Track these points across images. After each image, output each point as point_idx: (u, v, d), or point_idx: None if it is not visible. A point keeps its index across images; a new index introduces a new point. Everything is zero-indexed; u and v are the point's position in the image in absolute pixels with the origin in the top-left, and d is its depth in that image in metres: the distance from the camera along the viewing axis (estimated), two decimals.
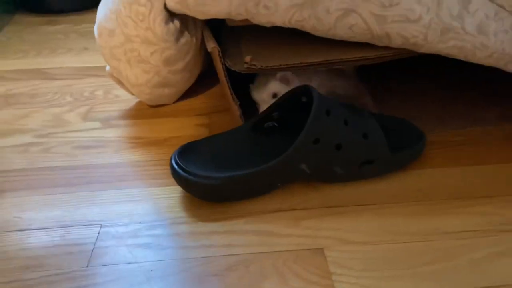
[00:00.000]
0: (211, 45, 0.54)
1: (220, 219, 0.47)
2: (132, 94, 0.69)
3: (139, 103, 0.71)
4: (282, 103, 0.52)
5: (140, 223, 0.47)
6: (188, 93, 0.71)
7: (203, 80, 0.72)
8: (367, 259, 0.42)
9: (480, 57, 0.51)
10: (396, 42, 0.52)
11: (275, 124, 0.53)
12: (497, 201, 0.48)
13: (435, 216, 0.47)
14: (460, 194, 0.49)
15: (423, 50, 0.52)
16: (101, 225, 0.47)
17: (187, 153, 0.50)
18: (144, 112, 0.68)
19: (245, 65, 0.53)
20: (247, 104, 0.59)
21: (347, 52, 0.53)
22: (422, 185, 0.51)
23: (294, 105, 0.51)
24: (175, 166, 0.48)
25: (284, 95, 0.52)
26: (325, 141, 0.47)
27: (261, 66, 0.53)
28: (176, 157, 0.48)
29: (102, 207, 0.49)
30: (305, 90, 0.50)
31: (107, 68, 0.67)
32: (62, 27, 1.07)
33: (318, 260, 0.42)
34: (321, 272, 0.41)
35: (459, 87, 0.68)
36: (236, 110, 0.56)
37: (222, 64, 0.54)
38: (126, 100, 0.72)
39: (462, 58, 0.52)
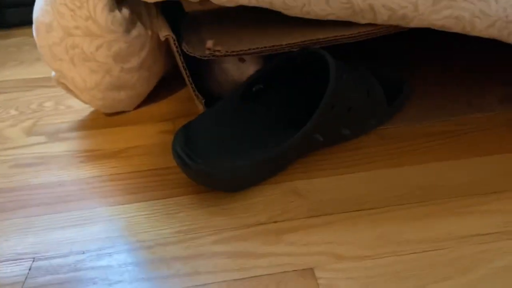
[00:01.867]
0: (164, 33, 0.46)
1: (183, 240, 0.38)
2: (84, 101, 0.60)
3: (95, 112, 0.62)
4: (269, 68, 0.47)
5: (83, 253, 0.37)
6: (151, 98, 0.62)
7: (170, 82, 0.64)
8: (368, 278, 0.33)
9: (480, 28, 0.44)
10: (382, 17, 0.44)
11: (261, 86, 0.47)
12: None
13: (445, 218, 0.38)
14: (470, 190, 0.41)
15: (413, 24, 0.44)
16: (33, 258, 0.37)
17: (191, 141, 0.43)
18: (99, 121, 0.59)
19: (207, 51, 0.44)
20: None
21: (325, 31, 0.45)
22: (424, 183, 0.43)
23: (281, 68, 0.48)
24: (188, 161, 0.40)
25: (275, 61, 0.47)
26: (339, 105, 0.45)
27: (226, 51, 0.44)
28: (183, 149, 0.41)
29: (37, 236, 0.40)
30: (307, 54, 0.46)
31: (53, 73, 0.58)
32: (15, 40, 0.98)
33: (307, 284, 0.33)
34: None
35: (453, 70, 0.61)
36: (201, 108, 0.48)
37: (179, 54, 0.45)
38: (80, 110, 0.63)
39: (459, 31, 0.44)
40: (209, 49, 0.45)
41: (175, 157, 0.42)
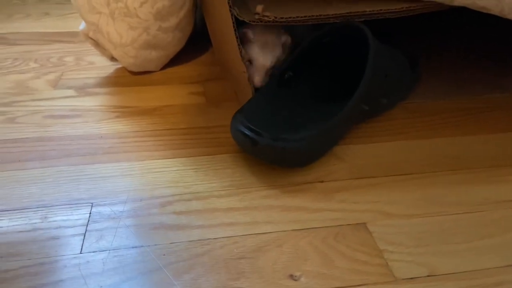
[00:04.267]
0: None
1: (236, 193, 0.40)
2: (112, 59, 0.60)
3: (120, 70, 0.61)
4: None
5: (140, 200, 0.38)
6: (174, 61, 0.63)
7: (189, 47, 0.64)
8: (417, 234, 0.36)
9: None
10: None
11: (291, 74, 0.48)
12: None
13: (480, 184, 0.41)
14: (498, 162, 0.45)
15: (456, 2, 0.47)
16: (92, 203, 0.38)
17: (252, 122, 0.41)
18: (126, 79, 0.59)
19: (256, 16, 0.45)
20: None
21: (371, 4, 0.47)
22: (454, 153, 0.46)
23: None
24: (257, 138, 0.39)
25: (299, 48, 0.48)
26: (379, 73, 0.46)
27: (275, 17, 0.45)
28: (247, 127, 0.40)
29: (90, 183, 0.40)
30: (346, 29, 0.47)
31: (81, 26, 0.57)
32: None
33: (363, 236, 0.35)
34: (369, 249, 0.34)
35: (473, 55, 0.65)
36: (244, 71, 0.49)
37: (232, 15, 0.46)
38: (103, 67, 0.62)
39: (497, 13, 0.47)
40: (258, 13, 0.45)
41: (239, 137, 0.41)
